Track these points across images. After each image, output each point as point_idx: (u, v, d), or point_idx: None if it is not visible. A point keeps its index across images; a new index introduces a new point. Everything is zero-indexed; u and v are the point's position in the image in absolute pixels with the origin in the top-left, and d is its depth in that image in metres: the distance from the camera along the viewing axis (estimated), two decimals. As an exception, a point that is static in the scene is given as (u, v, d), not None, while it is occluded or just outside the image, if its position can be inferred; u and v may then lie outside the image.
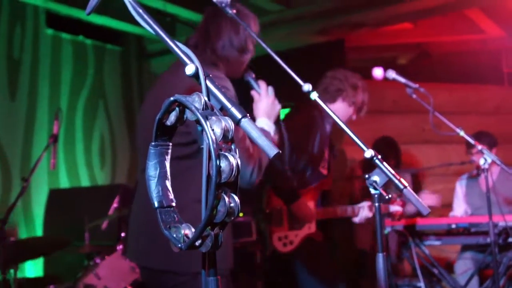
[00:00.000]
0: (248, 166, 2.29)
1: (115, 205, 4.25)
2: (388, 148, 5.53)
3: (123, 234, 4.13)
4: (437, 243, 4.34)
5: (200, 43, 2.52)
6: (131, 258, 2.55)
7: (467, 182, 5.08)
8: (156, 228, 0.98)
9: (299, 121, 3.65)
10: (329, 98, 3.72)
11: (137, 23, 1.06)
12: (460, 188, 5.12)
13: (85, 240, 4.08)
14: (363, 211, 3.67)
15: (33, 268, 5.32)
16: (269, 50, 2.07)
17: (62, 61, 6.01)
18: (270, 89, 2.64)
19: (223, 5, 2.18)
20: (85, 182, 6.03)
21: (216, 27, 2.51)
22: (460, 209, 5.07)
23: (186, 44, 2.55)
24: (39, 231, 5.44)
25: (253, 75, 2.67)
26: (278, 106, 2.66)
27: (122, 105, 6.61)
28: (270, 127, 2.61)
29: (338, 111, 3.65)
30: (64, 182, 5.84)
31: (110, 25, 5.95)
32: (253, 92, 2.64)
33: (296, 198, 3.53)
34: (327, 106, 1.88)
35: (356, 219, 3.70)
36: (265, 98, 2.61)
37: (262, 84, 2.65)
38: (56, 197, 5.43)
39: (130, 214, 2.59)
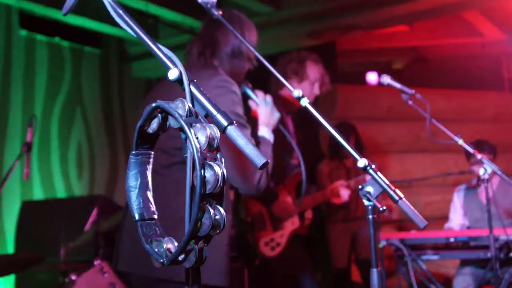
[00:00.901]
0: (256, 171, 2.34)
1: (93, 217, 4.23)
2: (347, 131, 5.62)
3: (101, 249, 4.10)
4: (434, 257, 4.36)
5: (204, 50, 2.59)
6: (123, 268, 2.55)
7: (465, 193, 5.11)
8: None
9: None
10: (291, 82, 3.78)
11: (117, 25, 1.06)
12: (458, 199, 5.14)
13: (60, 255, 4.05)
14: (342, 190, 3.80)
15: (4, 287, 5.27)
16: (259, 56, 2.09)
17: (37, 64, 5.99)
18: (268, 98, 2.75)
19: (209, 6, 2.19)
20: (61, 193, 6.00)
21: (224, 35, 2.57)
22: (457, 220, 5.09)
23: (189, 52, 2.65)
24: (10, 247, 5.40)
25: (250, 85, 2.74)
26: (277, 114, 2.75)
27: (101, 112, 6.59)
28: (270, 136, 2.70)
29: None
30: (38, 194, 5.79)
31: (89, 26, 5.94)
32: (250, 102, 2.73)
33: (274, 197, 3.58)
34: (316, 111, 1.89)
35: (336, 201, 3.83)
36: (263, 108, 2.69)
37: (260, 93, 2.75)
38: (29, 209, 5.39)
39: (122, 222, 2.60)
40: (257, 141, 2.69)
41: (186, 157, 0.85)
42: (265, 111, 2.73)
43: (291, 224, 3.68)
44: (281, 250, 3.63)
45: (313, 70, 3.80)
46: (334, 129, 1.84)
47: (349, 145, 1.78)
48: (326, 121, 1.87)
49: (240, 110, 2.44)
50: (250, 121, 2.65)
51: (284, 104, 3.68)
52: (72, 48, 6.31)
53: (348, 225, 5.57)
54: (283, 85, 3.76)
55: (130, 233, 2.51)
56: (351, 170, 5.58)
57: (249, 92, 2.76)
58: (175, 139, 2.31)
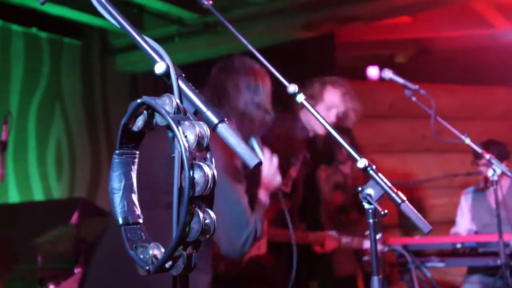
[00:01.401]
0: (243, 232, 2.30)
1: (73, 221, 4.22)
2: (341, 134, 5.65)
3: (81, 257, 4.10)
4: (440, 264, 4.37)
5: (214, 99, 2.54)
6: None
7: (473, 196, 5.12)
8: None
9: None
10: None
11: (99, 14, 1.06)
12: (465, 202, 5.16)
13: (37, 263, 4.04)
14: (329, 241, 3.76)
15: (-23, 296, 5.26)
16: (256, 53, 2.09)
17: (12, 56, 5.96)
18: (274, 158, 2.66)
19: None
20: (38, 195, 5.98)
21: (235, 85, 2.52)
22: (464, 225, 5.11)
23: None
24: (-16, 253, 5.38)
25: (258, 138, 2.67)
26: (278, 178, 2.68)
27: (82, 108, 6.57)
28: (267, 199, 2.63)
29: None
30: (13, 196, 5.77)
31: (69, 16, 5.91)
32: None
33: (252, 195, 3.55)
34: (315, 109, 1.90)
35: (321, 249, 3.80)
36: (266, 168, 2.64)
37: (267, 151, 2.68)
38: (4, 213, 5.37)
39: (105, 229, 2.59)
40: (254, 200, 2.63)
41: (174, 156, 0.85)
42: (267, 172, 2.64)
43: (256, 249, 3.61)
44: (238, 271, 3.56)
45: (331, 93, 3.78)
46: (332, 128, 1.84)
47: (348, 144, 1.78)
48: (323, 119, 1.87)
49: (238, 163, 2.39)
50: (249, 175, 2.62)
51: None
52: (50, 40, 6.29)
53: (353, 229, 5.58)
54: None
55: (109, 242, 2.49)
56: (348, 176, 5.59)
57: (256, 145, 2.66)
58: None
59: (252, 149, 2.68)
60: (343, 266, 5.56)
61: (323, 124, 1.85)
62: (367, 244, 3.81)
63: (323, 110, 3.74)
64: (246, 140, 2.61)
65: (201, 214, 0.84)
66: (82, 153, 6.47)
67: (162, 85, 6.43)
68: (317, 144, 4.17)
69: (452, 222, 5.23)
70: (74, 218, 4.24)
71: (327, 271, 5.75)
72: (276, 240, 3.69)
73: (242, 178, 2.40)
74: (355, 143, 5.75)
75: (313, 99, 3.70)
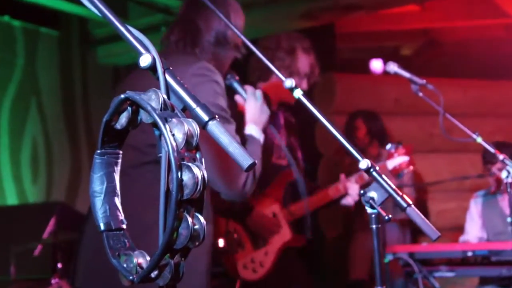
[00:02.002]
0: (241, 173, 2.33)
1: (50, 228, 4.21)
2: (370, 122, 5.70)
3: (59, 265, 4.09)
4: (450, 274, 4.37)
5: (184, 38, 2.62)
6: (82, 287, 2.55)
7: (483, 201, 5.12)
8: None
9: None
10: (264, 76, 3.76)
11: (79, 2, 1.06)
12: (475, 207, 5.16)
13: (10, 273, 4.03)
14: (352, 186, 3.73)
15: None
16: (246, 41, 2.10)
17: (-16, 48, 5.95)
18: (258, 92, 2.77)
19: None
20: (12, 199, 5.96)
21: (205, 19, 2.60)
22: (474, 232, 5.12)
23: (166, 39, 2.69)
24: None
25: (237, 77, 2.75)
26: (266, 111, 2.78)
27: (60, 104, 6.56)
28: (260, 135, 2.72)
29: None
30: (-15, 200, 5.76)
31: (45, 3, 5.90)
32: (237, 97, 2.73)
33: (248, 209, 3.54)
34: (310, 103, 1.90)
35: (348, 200, 3.77)
36: (252, 103, 2.72)
37: (249, 88, 2.77)
38: (-26, 218, 5.36)
39: (82, 236, 2.59)
40: (244, 140, 2.69)
41: (160, 157, 0.85)
42: (254, 107, 2.75)
43: (280, 238, 3.64)
44: (266, 272, 3.57)
45: (304, 62, 3.77)
46: (332, 125, 1.84)
47: (349, 143, 1.78)
48: (322, 116, 1.87)
49: (223, 102, 2.45)
50: (236, 117, 2.65)
51: (272, 95, 3.67)
52: (25, 29, 6.27)
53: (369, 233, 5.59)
54: (268, 74, 3.76)
55: (92, 245, 2.50)
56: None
57: (236, 85, 2.77)
58: (147, 134, 2.32)
59: (233, 88, 2.76)
60: (357, 270, 5.58)
61: (324, 123, 1.85)
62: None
63: (296, 81, 3.75)
64: (223, 78, 2.68)
65: (189, 219, 0.84)
66: (60, 153, 6.45)
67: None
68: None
69: (462, 228, 5.24)
70: (51, 224, 4.23)
71: (337, 275, 5.78)
72: (297, 215, 3.72)
73: (229, 118, 2.47)
74: (382, 125, 5.77)
75: (285, 68, 3.69)
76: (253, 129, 2.72)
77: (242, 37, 2.19)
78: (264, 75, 3.77)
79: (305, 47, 3.81)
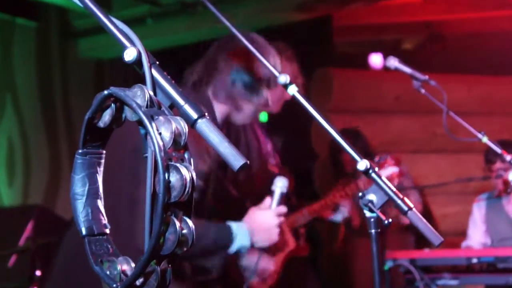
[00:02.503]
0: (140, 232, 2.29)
1: (28, 233, 4.20)
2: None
3: (38, 273, 4.08)
4: (453, 282, 4.39)
5: (202, 78, 2.62)
6: None
7: (488, 204, 5.13)
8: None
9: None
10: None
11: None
12: (478, 211, 5.17)
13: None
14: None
15: None
16: (242, 38, 2.10)
17: (-43, 40, 5.93)
18: (283, 209, 2.67)
19: None
20: (-14, 203, 5.95)
21: (227, 59, 2.57)
22: (477, 238, 5.13)
23: (186, 79, 2.67)
24: None
25: (286, 185, 2.71)
26: (274, 236, 2.65)
27: (38, 101, 6.54)
28: (244, 247, 2.57)
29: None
30: (-42, 203, 5.75)
31: (22, -7, 5.90)
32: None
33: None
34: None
35: (337, 215, 3.83)
36: (270, 215, 2.62)
37: (281, 208, 2.71)
38: None
39: (61, 242, 2.59)
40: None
41: (146, 157, 0.85)
42: (268, 221, 2.64)
43: (287, 246, 3.66)
44: (273, 284, 3.61)
45: (287, 72, 3.77)
46: (328, 124, 1.85)
47: (347, 144, 1.79)
48: (319, 114, 1.88)
49: None
50: None
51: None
52: (0, 20, 6.26)
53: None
54: None
55: (67, 251, 2.50)
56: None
57: (278, 192, 2.77)
58: None
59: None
60: (365, 277, 5.59)
61: (320, 122, 1.86)
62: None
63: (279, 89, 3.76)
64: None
65: (177, 223, 0.84)
66: (38, 153, 6.44)
67: (132, 74, 6.41)
68: None
69: (465, 234, 5.25)
70: (29, 228, 4.22)
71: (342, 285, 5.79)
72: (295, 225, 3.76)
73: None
74: (366, 143, 5.77)
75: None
76: (243, 238, 2.57)
77: (236, 31, 2.19)
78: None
79: (288, 56, 3.82)
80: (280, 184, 2.80)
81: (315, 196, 5.43)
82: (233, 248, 2.53)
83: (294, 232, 3.77)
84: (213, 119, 2.62)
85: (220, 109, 2.64)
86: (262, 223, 2.60)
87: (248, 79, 2.59)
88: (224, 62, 2.60)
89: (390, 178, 3.80)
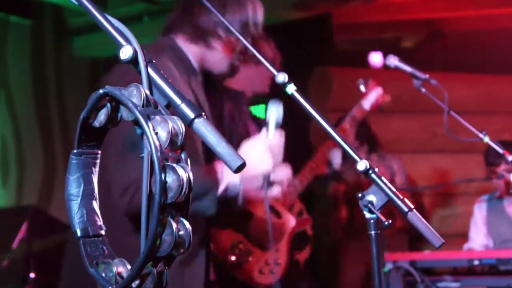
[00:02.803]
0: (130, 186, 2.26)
1: (22, 234, 4.20)
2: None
3: (32, 275, 4.08)
4: (454, 285, 4.38)
5: (175, 21, 2.60)
6: None
7: (489, 206, 5.13)
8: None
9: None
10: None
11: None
12: (479, 213, 5.17)
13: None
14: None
15: None
16: (240, 36, 2.11)
17: (-51, 38, 5.93)
18: (281, 134, 2.43)
19: None
20: (-21, 203, 5.95)
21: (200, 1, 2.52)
22: (479, 240, 5.13)
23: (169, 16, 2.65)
24: None
25: (281, 111, 2.39)
26: (267, 163, 2.41)
27: (32, 100, 6.54)
28: (235, 185, 2.41)
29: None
30: (-50, 204, 5.74)
31: (16, -10, 5.89)
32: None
33: (247, 217, 3.57)
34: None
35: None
36: (260, 144, 2.41)
37: (280, 132, 2.44)
38: None
39: (68, 239, 2.60)
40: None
41: (143, 157, 0.85)
42: (264, 149, 2.39)
43: (287, 225, 3.69)
44: (285, 268, 3.64)
45: (266, 48, 3.78)
46: (327, 124, 1.85)
47: (345, 142, 1.79)
48: (317, 113, 1.88)
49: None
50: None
51: (245, 88, 3.67)
52: (-6, 18, 6.26)
53: (362, 244, 5.59)
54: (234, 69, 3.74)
55: (71, 255, 2.50)
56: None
57: (271, 117, 2.40)
58: None
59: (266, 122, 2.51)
60: (349, 272, 5.59)
61: (319, 122, 1.86)
62: None
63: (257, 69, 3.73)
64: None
65: (174, 225, 0.84)
66: (33, 153, 6.43)
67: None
68: None
69: (467, 235, 5.26)
70: (23, 230, 4.22)
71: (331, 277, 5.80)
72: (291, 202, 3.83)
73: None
74: (369, 130, 5.78)
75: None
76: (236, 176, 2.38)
77: (234, 30, 2.19)
78: (231, 71, 3.75)
79: (263, 36, 3.78)
80: (273, 111, 2.41)
81: (315, 194, 5.46)
82: (221, 187, 2.37)
83: (291, 208, 3.79)
84: (185, 60, 2.58)
85: (192, 49, 2.59)
86: (251, 155, 2.37)
87: (218, 19, 2.53)
88: (198, 6, 2.54)
89: (377, 101, 3.84)
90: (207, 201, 2.32)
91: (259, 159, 2.38)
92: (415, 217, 1.69)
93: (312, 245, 4.17)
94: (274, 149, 2.40)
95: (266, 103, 3.86)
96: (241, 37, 2.14)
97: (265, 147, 2.39)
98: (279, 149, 2.44)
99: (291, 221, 3.70)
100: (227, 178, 2.37)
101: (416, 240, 6.05)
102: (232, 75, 3.70)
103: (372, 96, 3.81)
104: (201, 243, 2.55)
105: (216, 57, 2.63)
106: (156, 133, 0.84)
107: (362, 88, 3.84)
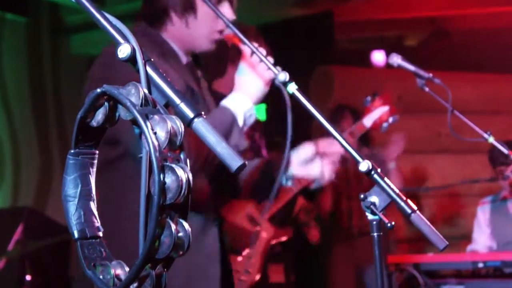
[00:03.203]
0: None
1: (17, 236, 4.20)
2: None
3: (28, 277, 4.08)
4: (458, 287, 4.39)
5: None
6: None
7: (492, 207, 5.13)
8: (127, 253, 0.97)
9: None
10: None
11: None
12: (482, 214, 5.17)
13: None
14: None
15: None
16: (234, 30, 2.09)
17: None
18: (263, 52, 2.34)
19: None
20: (-25, 204, 5.95)
21: None
22: (482, 242, 5.13)
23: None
24: None
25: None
26: (264, 79, 2.41)
27: (29, 98, 6.54)
28: (249, 110, 2.42)
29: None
30: None
31: (12, -13, 5.89)
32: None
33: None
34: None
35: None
36: (249, 62, 2.40)
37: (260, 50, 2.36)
38: None
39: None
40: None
41: (141, 157, 0.85)
42: (250, 68, 2.41)
43: (262, 237, 3.66)
44: (254, 279, 3.59)
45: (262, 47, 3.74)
46: (329, 123, 1.85)
47: (347, 142, 1.79)
48: (319, 112, 1.88)
49: None
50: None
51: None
52: (-10, 16, 6.25)
53: (351, 245, 5.58)
54: (223, 70, 3.71)
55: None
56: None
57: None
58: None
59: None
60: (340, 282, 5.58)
61: (321, 122, 1.86)
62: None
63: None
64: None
65: (173, 226, 0.84)
66: (29, 154, 6.43)
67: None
68: None
69: (471, 237, 5.25)
70: (18, 231, 4.22)
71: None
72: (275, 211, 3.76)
73: None
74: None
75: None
76: (239, 101, 2.40)
77: (234, 29, 2.18)
78: (220, 72, 3.72)
79: (253, 33, 3.72)
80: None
81: (313, 193, 5.45)
82: (240, 117, 2.38)
83: (273, 218, 3.76)
84: (160, 42, 2.50)
85: (163, 31, 2.54)
86: (244, 80, 2.43)
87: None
88: None
89: (381, 119, 3.76)
90: (234, 133, 2.34)
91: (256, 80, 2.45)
92: (419, 219, 1.69)
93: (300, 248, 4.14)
94: None
95: (265, 103, 3.87)
96: (244, 39, 2.12)
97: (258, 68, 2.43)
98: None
99: (269, 230, 3.67)
100: (241, 109, 2.40)
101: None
102: (221, 75, 3.68)
103: (375, 114, 3.73)
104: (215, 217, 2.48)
105: (188, 34, 2.51)
106: (155, 133, 0.84)
107: (367, 103, 3.76)
